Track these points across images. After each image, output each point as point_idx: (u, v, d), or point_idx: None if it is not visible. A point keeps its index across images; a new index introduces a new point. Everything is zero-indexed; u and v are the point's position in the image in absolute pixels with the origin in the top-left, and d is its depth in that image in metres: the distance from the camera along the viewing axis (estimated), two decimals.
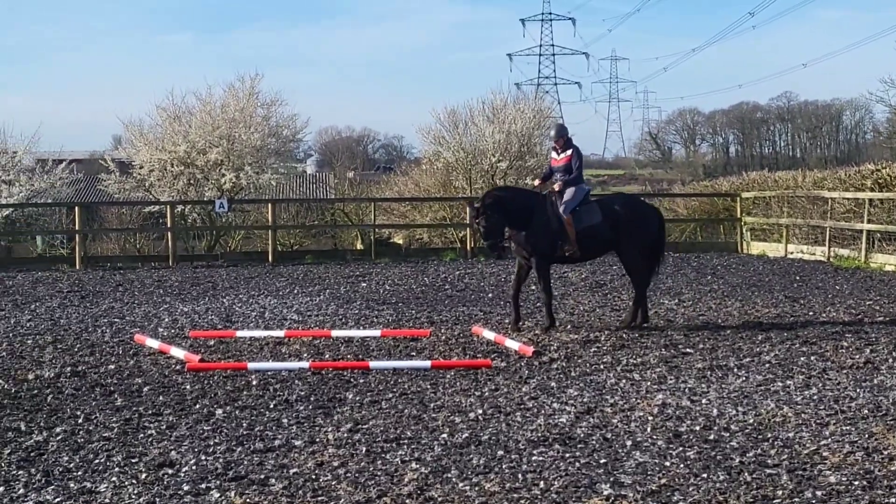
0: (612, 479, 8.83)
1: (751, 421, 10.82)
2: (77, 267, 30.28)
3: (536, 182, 18.28)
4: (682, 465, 9.25)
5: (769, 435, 10.26)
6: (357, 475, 9.01)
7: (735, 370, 13.57)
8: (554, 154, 17.61)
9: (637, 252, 17.31)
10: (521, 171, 37.99)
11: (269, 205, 33.77)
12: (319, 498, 8.37)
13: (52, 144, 60.66)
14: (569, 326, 17.20)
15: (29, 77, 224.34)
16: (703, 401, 11.80)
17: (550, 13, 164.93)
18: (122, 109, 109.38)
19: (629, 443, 10.03)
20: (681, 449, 9.80)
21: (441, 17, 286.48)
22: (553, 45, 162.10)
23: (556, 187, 17.05)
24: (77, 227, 32.07)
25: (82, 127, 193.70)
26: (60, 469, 9.31)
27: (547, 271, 17.23)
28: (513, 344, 15.17)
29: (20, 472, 9.24)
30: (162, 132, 38.08)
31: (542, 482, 8.72)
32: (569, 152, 17.24)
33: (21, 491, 8.67)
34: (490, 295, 22.02)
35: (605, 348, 15.20)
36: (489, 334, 16.14)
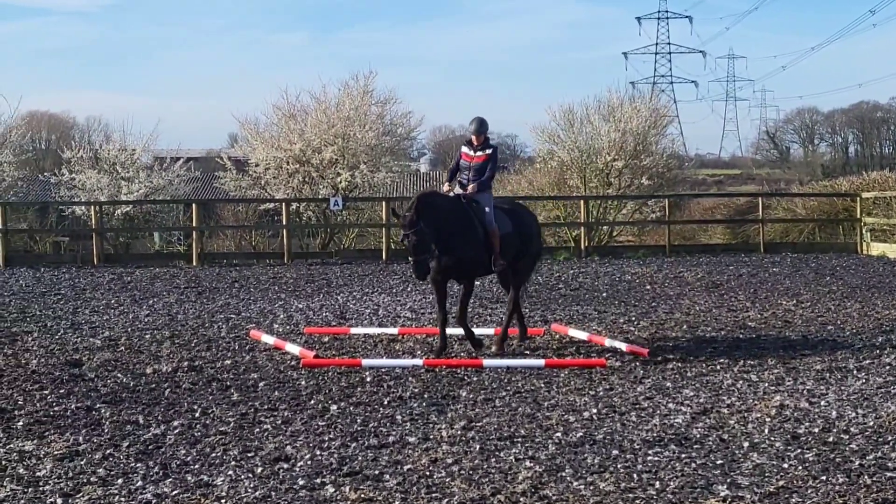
0: (728, 480, 8.70)
1: (871, 423, 10.61)
2: (194, 263, 30.67)
3: (446, 186, 15.59)
4: (800, 468, 9.09)
5: (890, 438, 10.04)
6: (471, 472, 8.98)
7: (854, 372, 13.32)
8: (467, 149, 15.45)
9: (534, 262, 16.46)
10: (636, 170, 37.73)
11: (384, 202, 33.89)
12: (434, 495, 8.35)
13: (170, 142, 61.77)
14: (685, 326, 17.00)
15: (147, 76, 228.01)
16: (822, 402, 11.59)
17: (667, 11, 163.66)
18: (237, 108, 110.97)
19: (746, 444, 9.89)
20: (799, 451, 9.63)
21: (556, 16, 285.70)
22: (669, 44, 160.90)
23: (471, 189, 15.04)
24: (194, 224, 32.47)
25: (198, 125, 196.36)
26: (178, 462, 9.41)
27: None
28: (619, 344, 15.05)
29: (138, 464, 9.36)
30: (278, 131, 38.48)
31: (657, 482, 8.63)
32: (487, 152, 15.30)
33: (139, 483, 8.77)
34: (605, 294, 21.88)
35: (721, 349, 15.02)
36: (579, 333, 16.04)
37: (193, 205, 33.61)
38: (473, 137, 15.39)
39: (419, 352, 15.02)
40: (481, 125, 15.40)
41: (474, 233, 14.67)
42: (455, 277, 15.14)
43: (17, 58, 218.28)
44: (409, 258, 14.33)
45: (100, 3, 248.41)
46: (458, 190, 15.27)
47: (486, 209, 14.98)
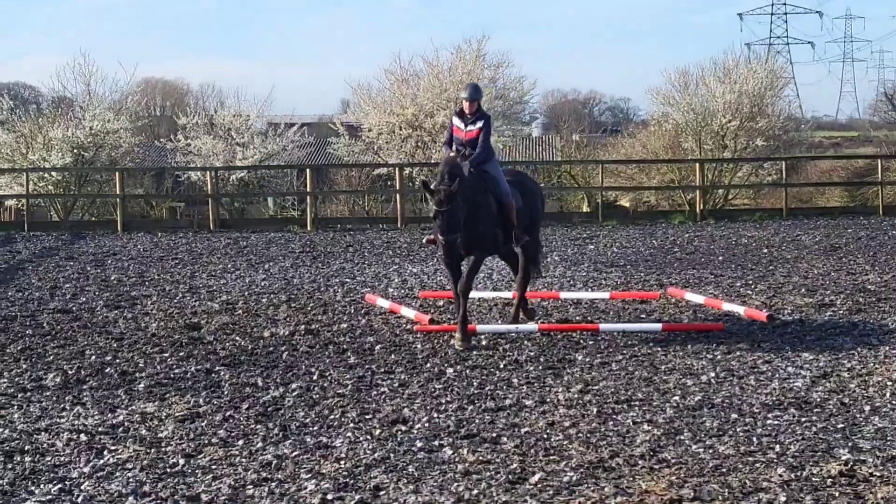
0: (850, 444, 8.58)
1: None
2: (308, 228, 30.90)
3: (447, 153, 14.18)
4: None
5: None
6: (588, 436, 8.95)
7: None
8: (458, 121, 13.87)
9: (538, 237, 15.16)
10: (752, 133, 37.22)
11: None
12: (551, 457, 8.34)
13: (284, 108, 62.18)
14: (803, 290, 16.76)
15: (260, 44, 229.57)
16: None
17: None
18: (349, 74, 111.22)
19: (867, 408, 9.74)
20: None
21: None
22: (785, 4, 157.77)
23: (465, 170, 13.30)
24: (309, 189, 32.71)
25: (311, 92, 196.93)
26: (297, 424, 9.51)
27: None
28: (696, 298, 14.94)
29: (258, 426, 9.47)
30: (390, 96, 38.58)
31: (777, 446, 8.53)
32: (478, 125, 13.71)
33: (259, 444, 8.88)
34: (721, 258, 21.64)
35: (840, 312, 14.79)
36: (696, 297, 15.88)
37: (307, 170, 33.86)
38: (466, 105, 13.78)
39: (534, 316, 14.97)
40: (476, 91, 14.05)
41: (489, 207, 13.39)
42: (467, 254, 13.48)
43: (133, 25, 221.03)
44: (440, 236, 12.91)
45: None
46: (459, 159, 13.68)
47: (500, 181, 13.68)
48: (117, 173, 33.31)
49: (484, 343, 12.99)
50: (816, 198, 42.26)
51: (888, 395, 10.21)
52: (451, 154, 13.67)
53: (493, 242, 13.67)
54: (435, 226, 13.09)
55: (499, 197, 13.53)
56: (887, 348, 12.37)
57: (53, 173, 36.10)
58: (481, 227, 13.28)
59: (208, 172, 34.17)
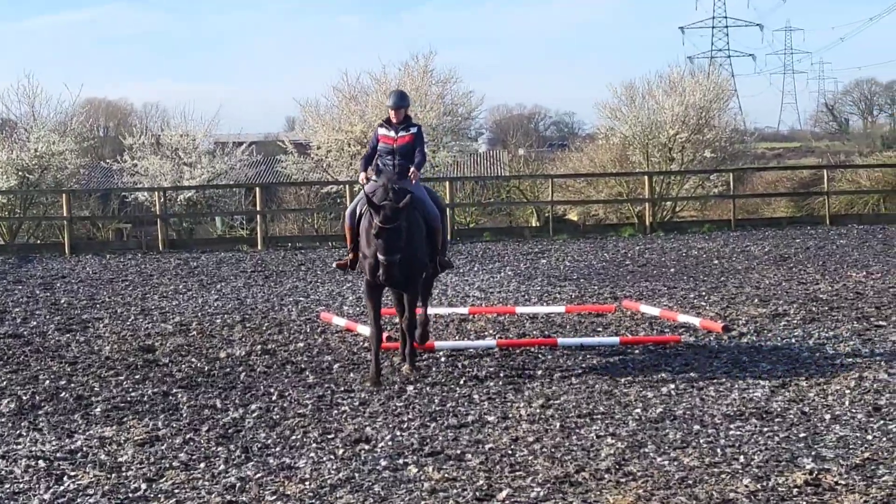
0: (813, 453, 8.64)
1: None
2: (258, 247, 30.75)
3: (362, 176, 13.02)
4: (884, 439, 9.02)
5: None
6: (553, 450, 8.95)
7: None
8: (385, 130, 12.88)
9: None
10: (699, 145, 37.41)
11: (447, 182, 33.83)
12: (517, 473, 8.32)
13: (231, 128, 61.88)
14: (756, 300, 16.85)
15: (203, 64, 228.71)
16: None
17: None
18: (296, 92, 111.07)
19: (828, 416, 9.81)
20: (882, 422, 9.56)
21: None
22: (726, 17, 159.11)
23: (413, 175, 12.59)
24: (258, 208, 32.58)
25: (256, 110, 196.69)
26: (259, 445, 9.44)
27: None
28: (692, 319, 14.96)
29: (219, 448, 9.39)
30: (338, 113, 38.48)
31: (741, 456, 8.57)
32: (411, 131, 12.88)
33: (222, 467, 8.80)
34: (672, 270, 21.73)
35: (794, 322, 14.87)
36: (651, 310, 15.94)
37: (256, 189, 33.75)
38: (392, 114, 12.88)
39: (491, 331, 14.97)
40: (402, 98, 13.08)
41: (419, 231, 12.24)
42: (399, 283, 12.32)
43: (76, 47, 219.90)
44: (381, 256, 11.67)
45: None
46: (375, 178, 12.69)
47: (426, 202, 12.64)
48: (64, 195, 32.97)
49: (443, 360, 12.96)
50: (763, 209, 42.57)
51: (847, 403, 10.28)
52: (387, 172, 12.47)
53: (424, 269, 12.62)
54: (375, 245, 11.72)
55: (427, 219, 12.47)
56: (843, 357, 12.48)
57: None
58: (415, 252, 12.12)
59: (156, 193, 33.91)
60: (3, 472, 8.82)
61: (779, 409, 10.11)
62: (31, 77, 37.55)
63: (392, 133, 12.83)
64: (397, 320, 13.39)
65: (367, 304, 12.56)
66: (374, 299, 12.27)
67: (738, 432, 9.35)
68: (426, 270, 12.74)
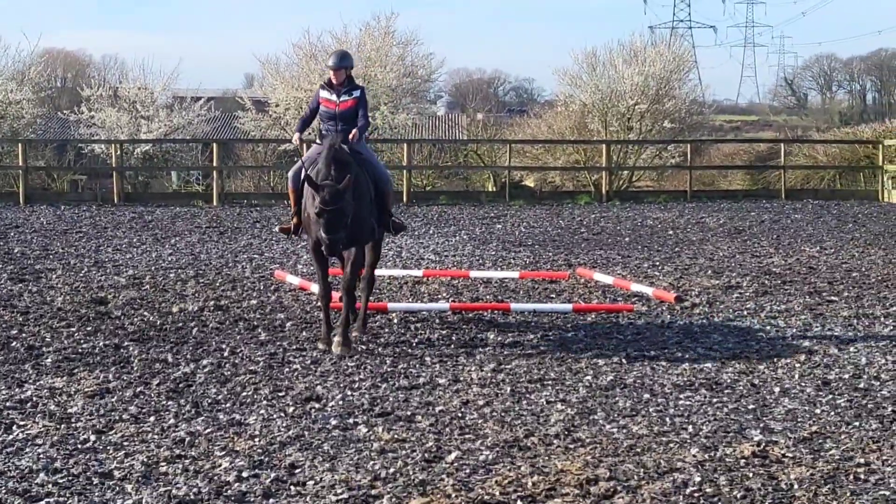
0: (761, 425, 8.69)
1: None
2: (214, 203, 30.64)
3: (296, 139, 13.03)
4: (832, 413, 9.08)
5: None
6: (503, 414, 8.98)
7: (882, 319, 13.27)
8: (327, 93, 12.32)
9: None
10: (658, 115, 37.52)
11: (405, 144, 33.80)
12: (467, 436, 8.35)
13: (190, 82, 61.52)
14: (709, 272, 16.95)
15: (163, 15, 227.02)
16: (851, 349, 11.56)
17: None
18: (256, 47, 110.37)
19: (777, 389, 9.87)
20: (830, 396, 9.62)
21: None
22: None
23: (353, 137, 11.97)
24: (214, 164, 32.43)
25: (215, 66, 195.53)
26: (209, 401, 9.42)
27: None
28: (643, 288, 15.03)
29: (170, 402, 9.37)
30: (298, 70, 38.33)
31: (690, 426, 8.62)
32: (355, 94, 12.25)
33: (171, 421, 8.78)
34: (627, 239, 21.82)
35: (747, 294, 14.96)
36: (604, 278, 16.01)
37: (213, 144, 33.60)
38: (332, 75, 12.30)
39: (444, 294, 14.99)
40: (343, 58, 12.48)
41: (367, 193, 11.84)
42: (346, 246, 11.76)
43: None
44: (322, 234, 11.16)
45: None
46: (318, 141, 12.35)
47: (376, 164, 12.46)
48: (19, 145, 32.75)
49: (396, 322, 12.97)
50: (720, 181, 42.79)
51: (797, 376, 10.35)
52: (331, 137, 11.88)
53: (371, 233, 12.13)
54: (318, 222, 11.26)
55: (377, 182, 12.13)
56: (794, 331, 12.56)
57: None
58: (361, 217, 11.65)
59: (113, 145, 33.76)
60: None
61: (728, 381, 10.18)
62: None
63: (334, 97, 12.26)
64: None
65: (314, 264, 12.41)
66: (320, 259, 11.94)
67: (688, 402, 9.41)
68: (374, 234, 12.24)
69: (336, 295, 12.50)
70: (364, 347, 11.54)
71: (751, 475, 7.39)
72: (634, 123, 37.36)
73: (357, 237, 11.75)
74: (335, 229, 11.09)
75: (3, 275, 16.42)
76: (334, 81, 12.31)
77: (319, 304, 12.19)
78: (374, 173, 12.12)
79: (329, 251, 11.43)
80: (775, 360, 11.08)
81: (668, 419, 8.83)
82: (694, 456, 7.80)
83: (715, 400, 9.49)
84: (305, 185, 11.71)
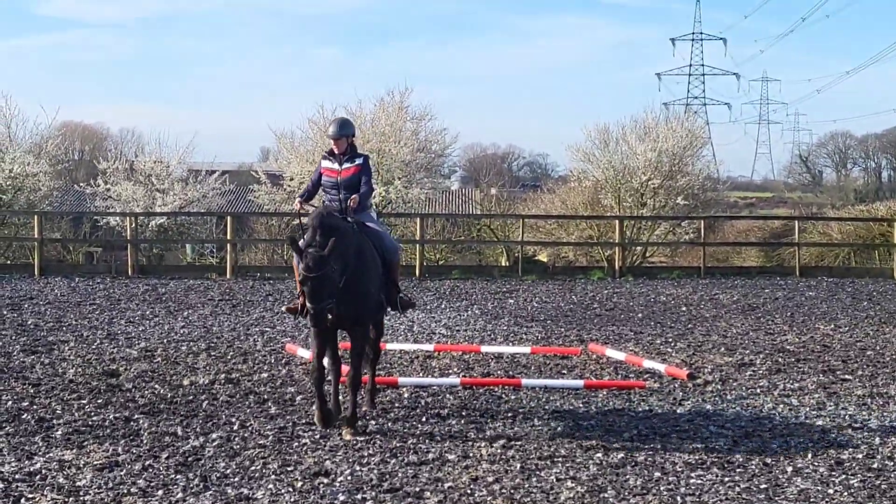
0: None
1: None
2: (227, 276, 30.68)
3: (297, 204, 12.33)
4: (845, 494, 9.03)
5: None
6: (512, 491, 8.94)
7: None
8: (329, 162, 12.07)
9: None
10: (671, 191, 37.57)
11: (418, 219, 33.88)
12: None
13: (206, 155, 61.93)
14: (722, 349, 16.89)
15: (180, 90, 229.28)
16: (865, 429, 11.49)
17: (701, 33, 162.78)
18: (272, 122, 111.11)
19: (790, 469, 9.81)
20: (843, 476, 9.57)
21: (590, 37, 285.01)
22: (703, 65, 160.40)
23: (353, 204, 11.73)
24: (229, 237, 32.51)
25: (230, 139, 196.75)
26: (217, 474, 9.40)
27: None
28: (657, 365, 14.98)
29: (178, 476, 9.35)
30: (313, 145, 38.43)
31: None
32: (358, 162, 11.96)
33: (179, 495, 8.76)
34: (640, 315, 21.77)
35: (760, 372, 14.90)
36: (616, 354, 15.97)
37: (228, 217, 33.68)
38: (334, 145, 12.02)
39: (455, 369, 14.96)
40: (341, 127, 12.08)
41: (374, 266, 11.42)
42: (348, 326, 11.36)
43: (52, 69, 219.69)
44: (308, 304, 10.68)
45: (135, 16, 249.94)
46: (352, 204, 11.78)
47: (383, 235, 12.02)
48: (36, 217, 32.91)
49: (406, 396, 12.94)
50: (733, 257, 42.75)
51: (809, 455, 10.30)
52: (324, 204, 11.84)
53: (378, 308, 11.76)
54: (302, 291, 10.89)
55: (384, 254, 11.67)
56: (807, 409, 12.50)
57: None
58: (366, 291, 11.18)
59: (128, 218, 33.88)
60: None
61: (741, 460, 10.12)
62: (8, 98, 37.34)
63: (336, 165, 11.97)
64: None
65: (312, 342, 11.59)
66: (317, 338, 11.26)
67: (699, 481, 9.36)
68: (381, 311, 11.87)
69: (344, 368, 11.88)
70: (374, 422, 11.49)
71: None
72: (648, 199, 37.41)
73: (361, 313, 11.25)
74: (319, 297, 10.50)
75: (16, 346, 16.44)
76: (336, 151, 12.02)
77: (309, 381, 11.71)
78: (380, 245, 11.70)
79: (314, 323, 10.73)
80: (788, 438, 11.02)
81: (679, 498, 8.78)
82: None
83: (727, 479, 9.43)
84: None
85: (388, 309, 12.22)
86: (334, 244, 10.43)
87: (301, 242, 10.98)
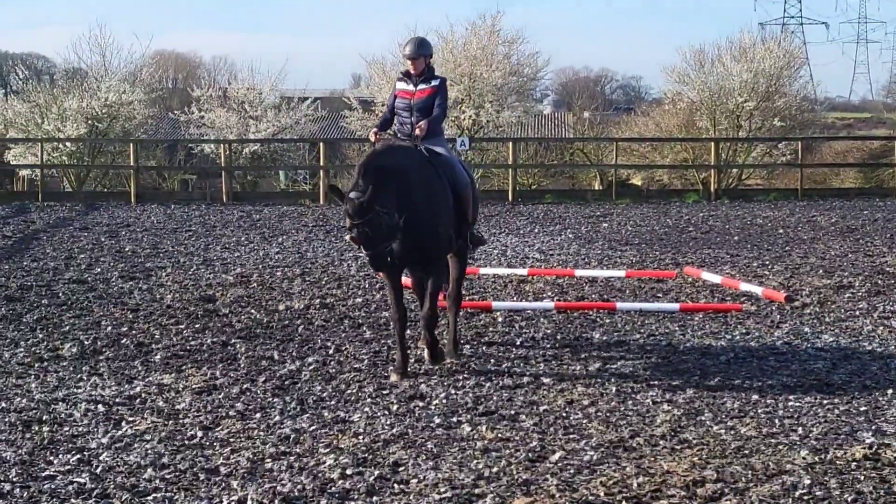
0: (873, 427, 8.52)
1: None
2: (321, 202, 30.81)
3: (372, 135, 11.40)
4: None
5: None
6: (608, 414, 8.90)
7: None
8: (404, 84, 11.17)
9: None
10: (767, 112, 37.02)
11: (510, 143, 33.72)
12: (571, 436, 8.28)
13: (297, 82, 62.10)
14: (820, 271, 16.65)
15: (270, 17, 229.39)
16: None
17: None
18: (362, 48, 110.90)
19: (890, 391, 9.66)
20: None
21: None
22: None
23: (419, 131, 10.82)
24: (321, 163, 32.61)
25: (322, 66, 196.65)
26: (314, 398, 9.47)
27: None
28: (754, 288, 14.81)
29: (275, 399, 9.43)
30: (403, 69, 38.36)
31: (799, 428, 8.47)
32: (434, 83, 11.07)
33: (277, 418, 8.84)
34: (736, 238, 21.53)
35: (859, 294, 14.67)
36: (712, 277, 15.81)
37: (321, 144, 33.78)
38: (411, 65, 11.10)
39: (549, 293, 14.91)
40: (419, 46, 11.20)
41: (444, 200, 10.53)
42: (418, 262, 10.69)
43: None
44: (362, 249, 10.07)
45: None
46: (418, 131, 10.89)
47: (455, 166, 10.99)
48: (131, 145, 33.30)
49: (500, 320, 12.92)
50: (831, 179, 42.11)
51: None
52: (384, 136, 11.19)
53: (448, 244, 10.70)
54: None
55: (455, 186, 10.74)
56: None
57: (68, 144, 36.07)
58: (435, 227, 10.32)
59: (222, 145, 34.16)
60: (63, 415, 8.92)
61: (840, 382, 9.99)
62: (102, 27, 37.75)
63: (411, 86, 11.07)
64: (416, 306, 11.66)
65: (385, 283, 11.05)
66: (390, 277, 10.59)
67: (798, 403, 9.25)
68: (451, 247, 10.80)
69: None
70: (468, 346, 11.50)
71: (862, 478, 7.24)
72: (744, 121, 36.92)
73: (431, 250, 10.43)
74: (371, 243, 9.73)
75: (114, 272, 16.66)
76: (412, 71, 11.10)
77: (392, 329, 10.94)
78: (452, 177, 10.73)
79: (375, 267, 10.20)
80: (888, 360, 10.85)
81: (776, 421, 8.69)
82: (803, 458, 7.66)
83: (825, 401, 9.31)
84: None
85: (463, 243, 11.04)
86: (374, 191, 9.56)
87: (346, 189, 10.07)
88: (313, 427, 8.54)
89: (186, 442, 8.18)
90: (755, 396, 9.45)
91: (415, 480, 7.28)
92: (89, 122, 36.52)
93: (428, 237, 10.22)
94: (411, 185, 10.07)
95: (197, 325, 12.64)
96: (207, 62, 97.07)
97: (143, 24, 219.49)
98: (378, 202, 9.58)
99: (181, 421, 8.75)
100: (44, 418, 8.81)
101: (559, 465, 7.58)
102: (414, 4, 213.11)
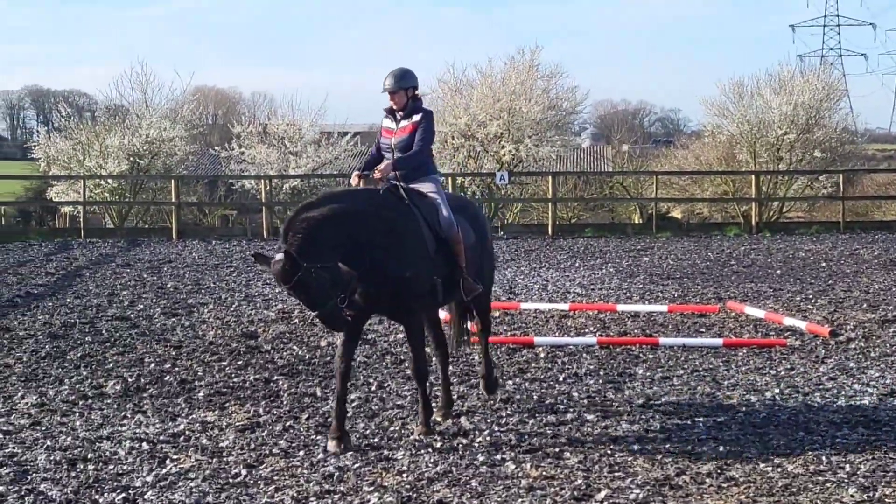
0: None
1: None
2: None
3: (354, 178, 10.32)
4: None
5: None
6: (653, 452, 8.84)
7: None
8: (388, 122, 10.17)
9: (491, 283, 11.28)
10: (808, 144, 36.89)
11: (550, 177, 33.72)
12: (616, 473, 8.24)
13: (337, 118, 62.13)
14: (864, 305, 16.53)
15: (311, 53, 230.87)
16: None
17: None
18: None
19: None
20: None
21: None
22: (838, 16, 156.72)
23: (383, 168, 9.96)
24: None
25: (361, 101, 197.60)
26: (357, 435, 9.44)
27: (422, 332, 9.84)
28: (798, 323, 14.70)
29: (319, 436, 9.43)
30: (443, 105, 38.40)
31: (847, 465, 8.40)
32: (415, 119, 10.02)
33: (321, 455, 8.83)
34: (779, 271, 21.41)
35: None
36: (756, 311, 15.70)
37: (360, 178, 33.81)
38: (390, 100, 10.12)
39: (591, 328, 14.86)
40: (398, 79, 10.08)
41: (416, 243, 9.44)
42: (386, 313, 10.31)
43: (184, 34, 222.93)
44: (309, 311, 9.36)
45: None
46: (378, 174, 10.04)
47: (439, 206, 9.82)
48: (172, 181, 33.50)
49: (542, 356, 12.88)
50: (874, 211, 41.86)
51: None
52: (325, 190, 9.91)
53: (431, 294, 9.63)
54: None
55: (437, 229, 9.68)
56: None
57: (109, 180, 36.34)
58: (401, 273, 9.18)
59: (262, 181, 34.32)
60: (107, 454, 8.94)
61: (887, 419, 9.90)
62: (143, 64, 38.08)
63: (393, 124, 10.11)
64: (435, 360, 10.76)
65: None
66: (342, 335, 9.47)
67: (845, 441, 9.17)
68: (434, 296, 9.69)
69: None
70: (511, 383, 11.46)
71: None
72: (784, 153, 36.80)
73: (399, 301, 9.38)
74: (313, 305, 8.84)
75: (156, 309, 16.73)
76: (393, 107, 10.13)
77: (334, 383, 9.85)
78: (433, 219, 9.68)
79: (330, 327, 9.43)
80: None
81: (824, 458, 8.61)
82: (852, 496, 7.60)
83: (873, 438, 9.22)
84: None
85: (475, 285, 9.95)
86: (299, 247, 8.64)
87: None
88: (357, 465, 8.52)
89: (231, 480, 8.18)
90: (801, 433, 9.38)
91: None
92: (131, 158, 36.80)
93: (394, 284, 9.20)
94: (369, 230, 9.14)
95: (239, 362, 12.66)
96: (247, 98, 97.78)
97: (184, 61, 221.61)
98: (307, 258, 8.62)
99: (225, 459, 8.75)
100: (89, 456, 8.84)
101: (605, 503, 7.54)
102: (453, 39, 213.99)
